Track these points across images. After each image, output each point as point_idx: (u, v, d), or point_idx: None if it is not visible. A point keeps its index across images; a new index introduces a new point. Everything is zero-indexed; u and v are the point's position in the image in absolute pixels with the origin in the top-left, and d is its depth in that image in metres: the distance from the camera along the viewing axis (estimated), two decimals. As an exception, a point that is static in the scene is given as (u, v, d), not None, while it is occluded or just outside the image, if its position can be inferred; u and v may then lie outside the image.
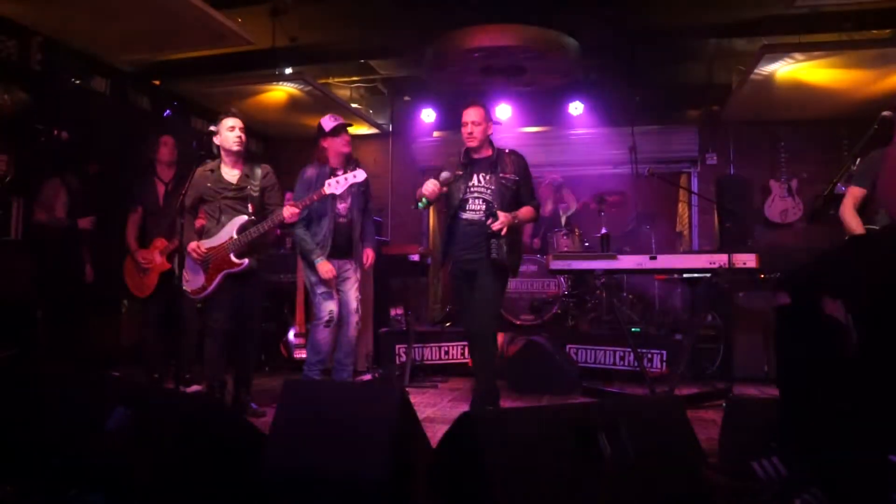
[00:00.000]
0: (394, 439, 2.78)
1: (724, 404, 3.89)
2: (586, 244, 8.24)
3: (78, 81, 7.40)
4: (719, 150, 10.09)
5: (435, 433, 4.04)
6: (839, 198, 5.16)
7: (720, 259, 6.36)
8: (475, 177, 5.25)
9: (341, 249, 5.62)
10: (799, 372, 2.77)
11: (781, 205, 9.25)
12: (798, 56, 7.35)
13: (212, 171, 5.34)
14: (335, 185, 5.21)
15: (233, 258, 5.21)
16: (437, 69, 8.22)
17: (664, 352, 6.68)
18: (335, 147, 5.66)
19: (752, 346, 6.77)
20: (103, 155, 7.18)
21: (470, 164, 5.30)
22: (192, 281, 5.33)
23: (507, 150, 5.40)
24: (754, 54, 7.58)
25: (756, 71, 7.72)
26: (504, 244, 5.03)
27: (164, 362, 6.43)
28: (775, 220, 9.25)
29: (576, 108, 9.76)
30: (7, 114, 6.39)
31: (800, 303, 2.81)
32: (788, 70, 7.70)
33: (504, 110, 9.62)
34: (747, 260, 6.52)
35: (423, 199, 5.17)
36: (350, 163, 5.66)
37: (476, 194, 5.21)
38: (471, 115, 5.25)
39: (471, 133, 5.23)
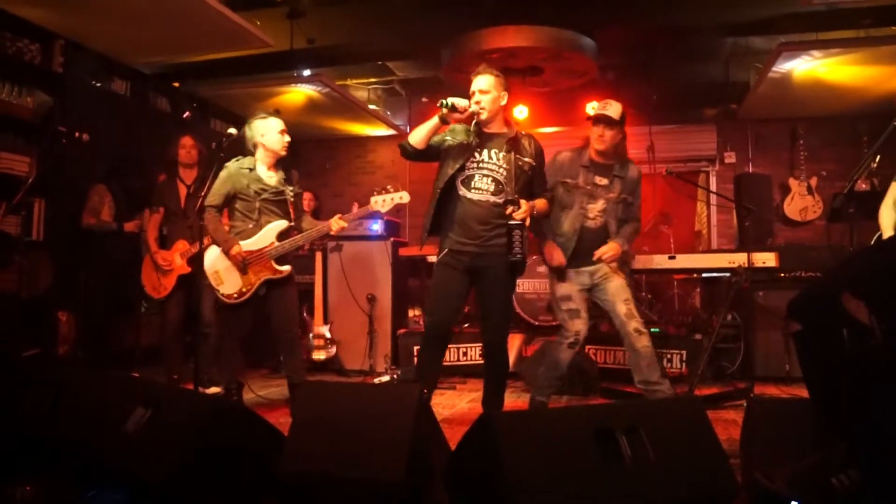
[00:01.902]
0: (412, 441, 2.79)
1: (744, 404, 3.88)
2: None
3: (99, 84, 7.45)
4: (738, 148, 10.05)
5: (453, 434, 4.05)
6: (859, 195, 5.11)
7: (739, 258, 6.36)
8: (485, 152, 4.56)
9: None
10: (829, 380, 2.77)
11: (801, 203, 9.21)
12: (816, 53, 7.30)
13: (250, 169, 5.30)
14: (380, 203, 5.24)
15: (275, 265, 5.23)
16: (454, 70, 8.22)
17: (683, 352, 6.66)
18: None
19: (772, 346, 6.73)
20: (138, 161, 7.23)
21: (480, 137, 4.61)
22: (228, 284, 5.24)
23: (524, 133, 4.77)
24: (772, 52, 7.53)
25: (774, 69, 7.68)
26: (526, 238, 4.43)
27: (183, 363, 6.47)
28: (795, 219, 9.21)
29: (593, 108, 9.72)
30: (30, 116, 6.46)
31: (813, 324, 2.80)
32: (806, 67, 7.65)
33: (521, 111, 9.61)
34: (767, 259, 6.52)
35: (449, 101, 4.40)
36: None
37: (486, 171, 4.53)
38: (479, 83, 4.57)
39: (478, 103, 4.51)
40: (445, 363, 7.06)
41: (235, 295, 5.23)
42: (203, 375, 5.95)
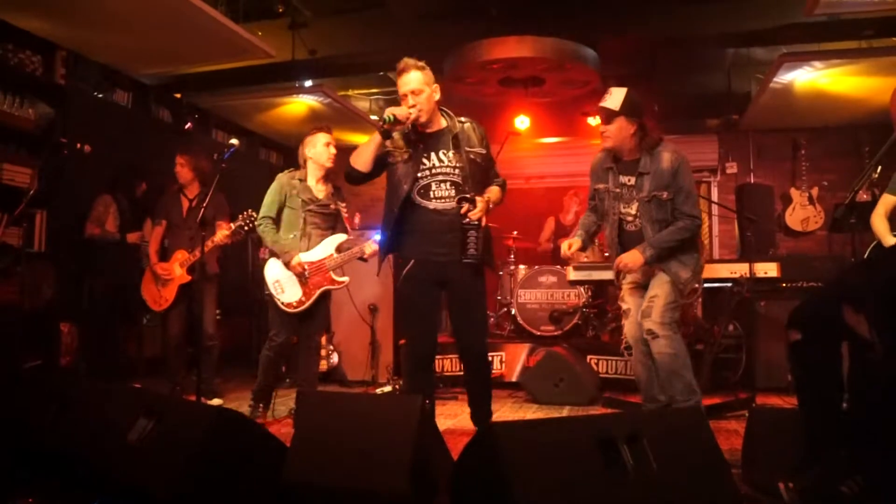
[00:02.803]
0: (415, 452, 2.78)
1: (746, 414, 3.87)
2: (606, 255, 8.22)
3: (101, 95, 7.47)
4: (739, 158, 10.07)
5: (456, 445, 4.04)
6: (861, 206, 5.12)
7: (741, 268, 6.35)
8: (433, 155, 4.26)
9: None
10: (825, 391, 2.77)
11: (802, 213, 9.21)
12: (817, 64, 7.33)
13: (300, 180, 5.44)
14: None
15: (334, 276, 5.36)
16: (456, 81, 8.24)
17: (686, 362, 6.65)
18: None
19: (774, 356, 6.72)
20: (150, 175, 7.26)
21: (421, 140, 4.29)
22: (288, 293, 5.31)
23: (462, 120, 4.44)
24: (773, 63, 7.55)
25: (775, 79, 7.69)
26: (482, 237, 4.14)
27: (186, 374, 6.47)
28: (796, 229, 9.21)
29: (594, 118, 9.74)
30: (32, 127, 6.47)
31: (813, 334, 2.80)
32: (808, 78, 7.67)
33: (522, 121, 9.62)
34: (769, 269, 6.52)
35: (391, 116, 4.04)
36: None
37: (441, 177, 4.24)
38: (409, 83, 4.20)
39: (413, 106, 4.15)
40: (447, 374, 7.09)
41: (295, 304, 5.31)
42: (205, 386, 5.96)
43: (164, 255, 6.34)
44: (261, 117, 9.49)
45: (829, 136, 9.39)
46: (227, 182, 5.45)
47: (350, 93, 10.11)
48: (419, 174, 4.25)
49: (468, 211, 4.06)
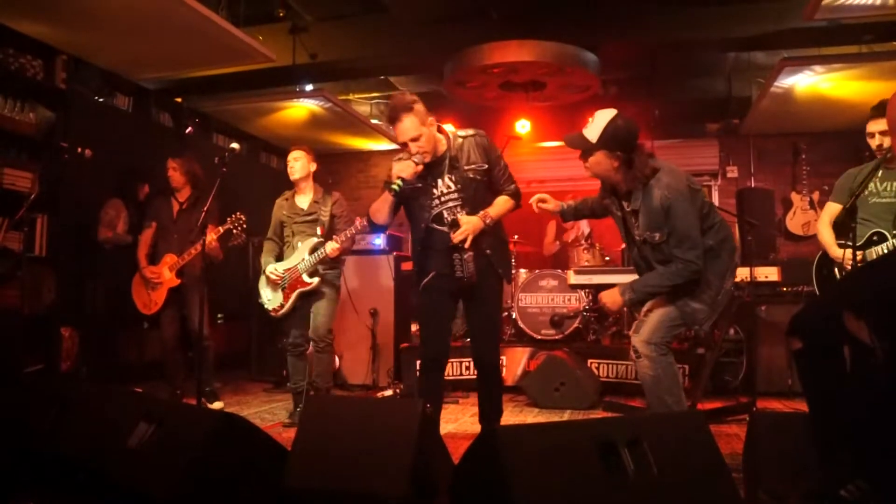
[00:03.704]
0: (415, 455, 2.78)
1: (747, 418, 3.86)
2: (607, 259, 8.23)
3: (101, 99, 7.47)
4: (740, 162, 10.07)
5: (457, 449, 4.03)
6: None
7: (742, 272, 6.34)
8: (440, 182, 4.36)
9: None
10: (830, 398, 2.77)
11: (803, 217, 9.21)
12: (818, 68, 7.34)
13: (286, 199, 5.95)
14: None
15: (304, 278, 5.65)
16: (456, 85, 8.25)
17: (686, 366, 6.63)
18: None
19: (775, 360, 6.73)
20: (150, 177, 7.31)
21: (426, 169, 4.32)
22: (273, 300, 5.79)
23: (462, 136, 4.44)
24: (774, 67, 7.56)
25: (776, 84, 7.70)
26: (470, 259, 4.17)
27: (186, 377, 6.46)
28: (797, 233, 9.21)
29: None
30: (32, 132, 6.46)
31: (813, 342, 2.80)
32: (808, 83, 7.69)
33: (523, 125, 9.62)
34: (769, 273, 6.53)
35: (398, 182, 4.15)
36: None
37: (450, 204, 4.34)
38: (406, 131, 4.24)
39: (418, 153, 4.22)
40: (448, 378, 7.05)
41: (277, 308, 5.76)
42: (206, 388, 5.97)
43: (155, 258, 6.34)
44: (261, 121, 9.50)
45: (830, 141, 9.39)
46: (228, 186, 5.46)
47: (351, 97, 10.12)
48: (432, 205, 4.36)
49: (454, 233, 4.16)
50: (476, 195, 4.33)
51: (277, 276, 5.68)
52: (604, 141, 3.93)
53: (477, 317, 4.55)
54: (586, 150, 4.03)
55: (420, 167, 4.21)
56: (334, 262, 5.78)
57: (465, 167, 4.33)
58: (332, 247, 5.48)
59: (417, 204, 4.41)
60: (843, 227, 4.77)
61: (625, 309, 6.94)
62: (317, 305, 5.74)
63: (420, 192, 4.36)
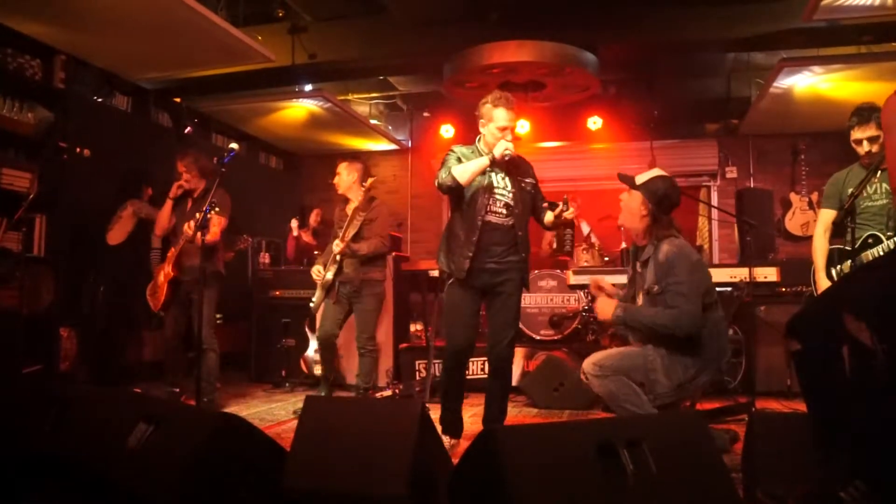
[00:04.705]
0: (414, 455, 2.78)
1: (746, 419, 3.86)
2: (606, 259, 8.23)
3: (100, 99, 7.46)
4: (739, 163, 10.08)
5: (456, 449, 4.04)
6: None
7: (741, 273, 6.36)
8: (494, 176, 4.68)
9: None
10: (829, 399, 2.77)
11: (802, 218, 9.19)
12: (817, 69, 7.34)
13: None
14: None
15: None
16: (455, 85, 8.24)
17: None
18: None
19: (774, 360, 6.73)
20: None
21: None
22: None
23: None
24: (773, 68, 7.56)
25: (775, 84, 7.71)
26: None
27: (185, 377, 6.46)
28: (796, 234, 9.18)
29: (594, 122, 9.74)
30: (31, 132, 6.46)
31: (812, 343, 2.80)
32: (808, 83, 7.70)
33: (522, 125, 9.61)
34: (768, 273, 6.53)
35: (507, 152, 4.50)
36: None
37: (498, 196, 4.66)
38: (514, 119, 4.74)
39: (511, 139, 4.61)
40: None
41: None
42: (203, 398, 5.92)
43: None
44: (261, 122, 9.50)
45: (829, 141, 9.36)
46: (228, 186, 5.46)
47: (350, 97, 10.12)
48: (488, 192, 4.67)
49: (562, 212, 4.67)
50: (525, 204, 4.75)
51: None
52: (645, 187, 4.24)
53: (505, 314, 4.73)
54: (631, 185, 4.31)
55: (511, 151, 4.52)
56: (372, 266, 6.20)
57: (521, 178, 4.77)
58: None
59: (479, 188, 4.62)
60: (839, 229, 4.79)
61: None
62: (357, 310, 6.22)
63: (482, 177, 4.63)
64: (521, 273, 4.72)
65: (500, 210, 4.64)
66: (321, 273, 6.10)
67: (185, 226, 5.84)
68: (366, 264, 6.05)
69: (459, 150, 4.75)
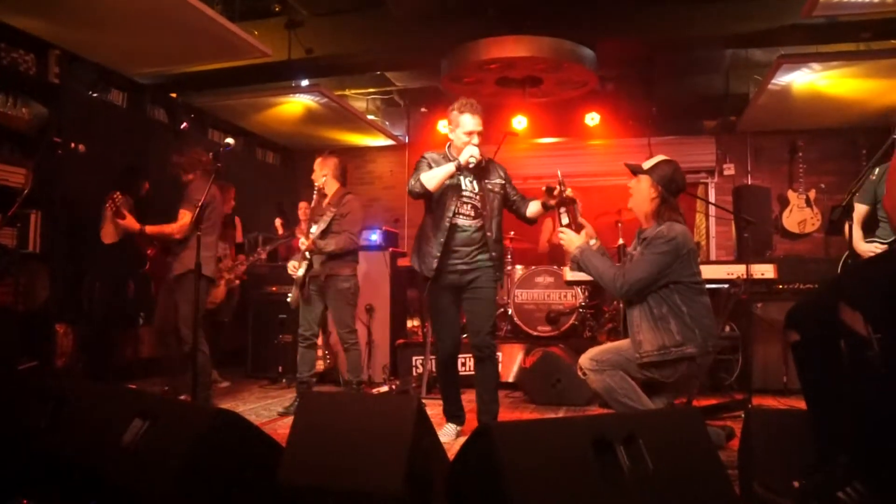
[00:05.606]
0: (410, 451, 2.77)
1: (742, 415, 3.86)
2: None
3: (95, 94, 7.43)
4: (737, 160, 10.08)
5: (452, 445, 4.03)
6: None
7: (738, 270, 6.33)
8: (463, 179, 4.87)
9: None
10: (827, 391, 2.76)
11: (799, 215, 9.19)
12: (815, 66, 7.33)
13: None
14: None
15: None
16: (453, 80, 8.23)
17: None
18: None
19: (770, 357, 6.73)
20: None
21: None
22: None
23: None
24: (771, 64, 7.55)
25: (773, 81, 7.70)
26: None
27: (179, 373, 6.44)
28: (793, 231, 9.19)
29: (592, 118, 9.74)
30: (25, 127, 6.43)
31: (810, 334, 2.80)
32: (806, 80, 7.68)
33: (520, 121, 9.60)
34: (765, 270, 6.50)
35: (472, 159, 4.64)
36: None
37: (465, 199, 4.86)
38: (480, 125, 4.80)
39: (476, 145, 4.74)
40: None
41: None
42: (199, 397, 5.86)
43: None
44: (257, 117, 9.48)
45: (827, 139, 9.39)
46: (224, 182, 5.44)
47: (347, 92, 10.10)
48: (456, 196, 4.88)
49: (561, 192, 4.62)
50: (493, 206, 4.93)
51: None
52: (653, 170, 4.30)
53: (481, 307, 4.95)
54: (637, 171, 4.38)
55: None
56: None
57: (487, 182, 4.93)
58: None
59: (449, 192, 4.83)
60: (871, 223, 4.88)
61: (620, 304, 6.93)
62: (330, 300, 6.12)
63: (452, 182, 4.83)
64: (494, 269, 4.94)
65: (468, 213, 4.87)
66: (295, 269, 6.04)
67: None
68: (332, 259, 5.93)
69: (430, 156, 4.95)
